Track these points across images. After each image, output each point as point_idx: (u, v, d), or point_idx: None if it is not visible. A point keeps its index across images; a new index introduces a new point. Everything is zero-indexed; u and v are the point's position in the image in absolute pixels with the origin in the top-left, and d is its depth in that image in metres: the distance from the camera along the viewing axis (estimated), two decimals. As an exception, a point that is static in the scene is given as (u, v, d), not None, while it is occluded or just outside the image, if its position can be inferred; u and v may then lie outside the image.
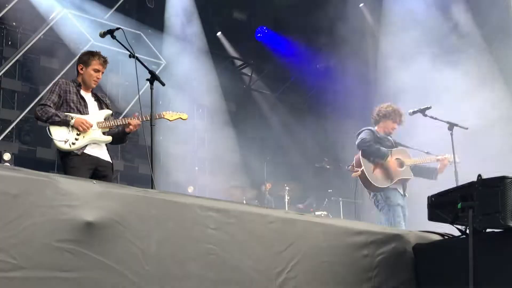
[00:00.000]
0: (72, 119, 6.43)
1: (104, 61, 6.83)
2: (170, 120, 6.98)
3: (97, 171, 6.57)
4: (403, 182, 8.20)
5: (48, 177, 3.61)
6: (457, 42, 11.21)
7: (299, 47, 14.63)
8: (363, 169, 8.17)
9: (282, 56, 15.15)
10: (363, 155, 8.21)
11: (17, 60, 11.35)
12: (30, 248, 3.37)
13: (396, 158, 8.18)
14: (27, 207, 3.42)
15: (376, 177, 8.15)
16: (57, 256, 3.46)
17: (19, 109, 11.26)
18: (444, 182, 7.35)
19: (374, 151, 8.16)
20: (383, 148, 8.17)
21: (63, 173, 6.50)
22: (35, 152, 11.19)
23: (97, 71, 6.77)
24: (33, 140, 11.30)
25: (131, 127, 6.71)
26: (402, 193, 8.16)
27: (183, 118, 7.06)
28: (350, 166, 8.41)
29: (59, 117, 6.40)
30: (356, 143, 8.29)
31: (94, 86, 6.85)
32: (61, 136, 6.39)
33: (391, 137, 8.42)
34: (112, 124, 6.70)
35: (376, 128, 8.41)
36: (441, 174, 8.21)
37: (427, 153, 8.22)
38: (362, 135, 8.28)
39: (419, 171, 8.34)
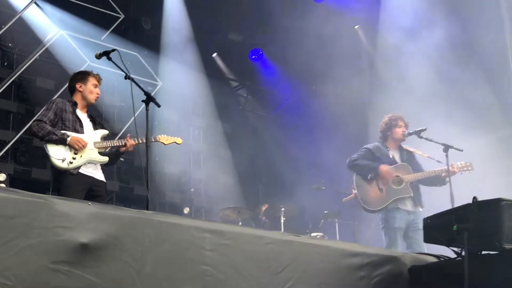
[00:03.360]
0: (68, 137, 6.45)
1: (99, 78, 7.01)
2: (165, 144, 7.09)
3: (91, 191, 6.58)
4: (407, 198, 8.01)
5: (43, 199, 3.61)
6: (453, 62, 11.24)
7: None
8: (355, 193, 8.15)
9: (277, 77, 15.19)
10: (356, 175, 8.20)
11: (13, 81, 11.34)
12: (26, 270, 3.36)
13: (396, 176, 8.06)
14: (23, 229, 3.42)
15: (369, 200, 8.07)
16: (52, 278, 3.45)
17: (14, 130, 11.22)
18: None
19: (362, 168, 8.11)
20: (373, 163, 8.10)
21: (56, 192, 6.50)
22: (30, 172, 11.14)
23: (96, 86, 6.90)
24: (28, 161, 11.26)
25: (127, 146, 6.75)
26: (408, 209, 7.97)
27: (178, 142, 7.19)
28: (351, 187, 8.35)
29: (56, 135, 6.41)
30: (346, 163, 8.29)
31: (94, 101, 6.95)
32: (58, 155, 6.41)
33: (405, 146, 8.36)
34: (109, 144, 6.75)
35: (386, 143, 8.36)
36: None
37: (438, 161, 8.00)
38: (353, 155, 8.27)
39: (425, 180, 8.16)
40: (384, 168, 8.05)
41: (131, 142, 6.76)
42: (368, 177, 8.09)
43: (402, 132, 8.28)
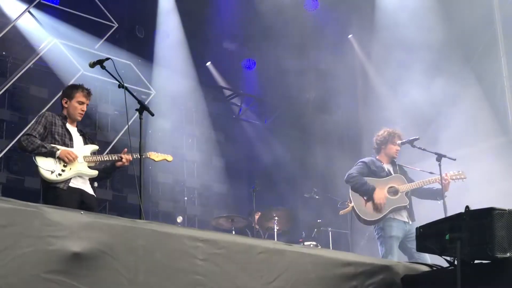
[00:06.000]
0: (58, 150, 6.45)
1: (88, 93, 6.91)
2: (155, 161, 7.11)
3: (83, 203, 6.57)
4: (403, 208, 8.07)
5: (36, 208, 3.61)
6: (445, 70, 11.29)
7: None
8: (353, 205, 8.15)
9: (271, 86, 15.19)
10: (352, 190, 8.21)
11: (6, 90, 11.32)
12: (19, 279, 3.36)
13: (390, 186, 8.08)
14: (16, 238, 3.42)
15: (366, 210, 8.06)
16: (45, 287, 3.45)
17: (7, 138, 11.18)
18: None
19: (359, 187, 8.11)
20: (369, 183, 8.11)
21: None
22: (23, 181, 11.11)
23: (81, 103, 6.84)
24: (21, 170, 11.21)
25: (123, 160, 6.75)
26: (405, 220, 8.03)
27: (168, 160, 7.23)
28: (347, 202, 8.37)
29: (45, 148, 6.40)
30: (344, 178, 8.30)
31: (79, 118, 6.91)
32: (47, 166, 6.40)
33: (396, 161, 8.38)
34: (99, 159, 6.75)
35: (378, 157, 8.39)
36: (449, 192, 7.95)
37: (431, 173, 8.04)
38: (351, 170, 8.28)
39: (422, 193, 8.24)
40: (378, 195, 8.04)
41: (127, 157, 6.76)
42: (365, 198, 8.11)
43: (396, 150, 8.32)
